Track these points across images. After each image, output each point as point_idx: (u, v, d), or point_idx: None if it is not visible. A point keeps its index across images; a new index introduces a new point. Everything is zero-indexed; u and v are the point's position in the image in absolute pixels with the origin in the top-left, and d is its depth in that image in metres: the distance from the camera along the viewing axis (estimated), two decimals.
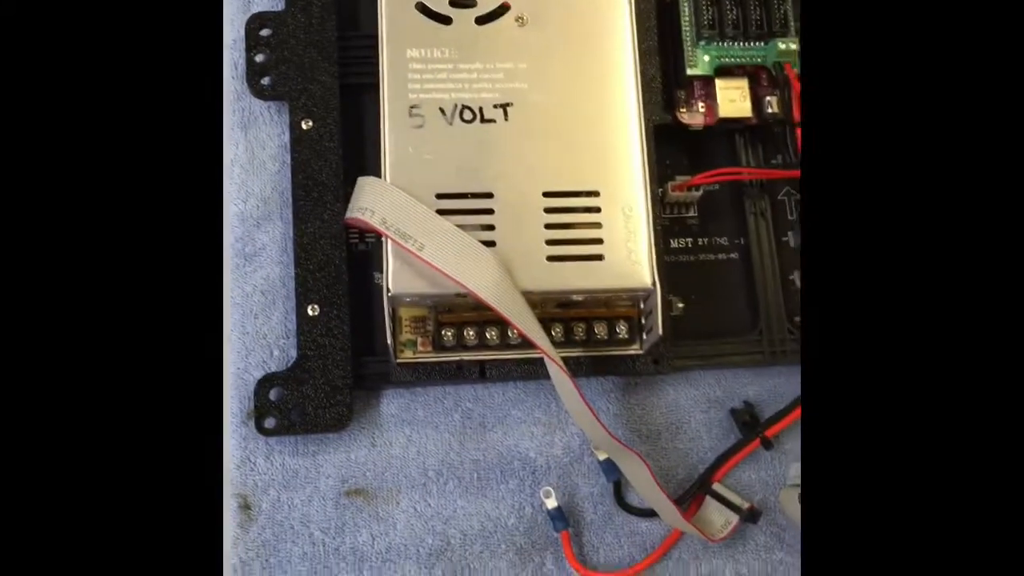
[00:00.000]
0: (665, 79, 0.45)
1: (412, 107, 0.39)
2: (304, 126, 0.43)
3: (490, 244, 0.38)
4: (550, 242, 0.39)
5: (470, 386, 0.43)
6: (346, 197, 0.42)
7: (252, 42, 0.44)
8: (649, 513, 0.42)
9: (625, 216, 0.39)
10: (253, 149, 0.44)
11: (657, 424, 0.43)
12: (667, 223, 0.45)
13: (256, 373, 0.42)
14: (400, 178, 0.39)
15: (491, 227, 0.38)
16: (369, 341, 0.43)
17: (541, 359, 0.41)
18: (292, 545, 0.41)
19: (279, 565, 0.41)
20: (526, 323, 0.37)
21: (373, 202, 0.38)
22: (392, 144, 0.39)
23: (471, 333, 0.40)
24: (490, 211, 0.39)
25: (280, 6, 0.44)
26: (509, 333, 0.40)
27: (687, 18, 0.44)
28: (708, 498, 0.42)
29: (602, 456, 0.42)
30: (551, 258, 0.38)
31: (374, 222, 0.38)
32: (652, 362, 0.42)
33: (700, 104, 0.44)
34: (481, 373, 0.42)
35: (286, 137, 0.44)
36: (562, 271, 0.38)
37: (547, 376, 0.41)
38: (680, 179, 0.45)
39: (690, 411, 0.44)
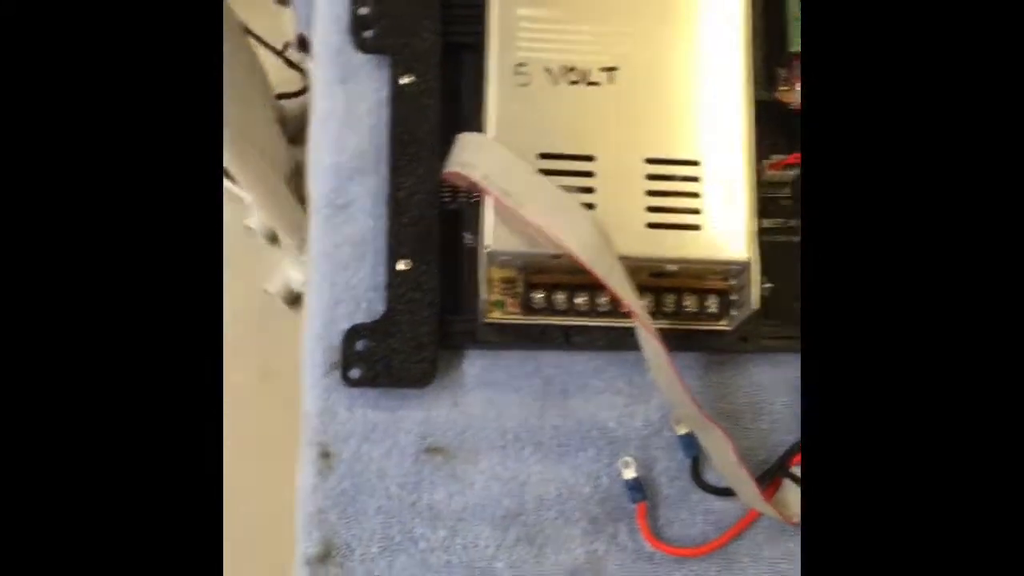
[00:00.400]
0: (766, 57, 0.44)
1: (519, 65, 0.39)
2: (404, 81, 0.43)
3: (589, 207, 0.38)
4: (649, 209, 0.38)
5: (553, 352, 0.43)
6: (442, 154, 0.42)
7: None
8: (726, 492, 0.41)
9: (726, 188, 0.39)
10: (351, 103, 0.44)
11: (739, 404, 0.43)
12: (761, 202, 0.44)
13: (343, 324, 0.42)
14: (503, 135, 0.39)
15: (591, 190, 0.38)
16: (455, 300, 0.43)
17: (627, 329, 0.41)
18: (369, 498, 0.41)
19: (355, 516, 0.41)
20: (622, 287, 0.37)
21: (475, 158, 0.38)
22: (496, 101, 0.39)
23: (561, 297, 0.40)
24: (591, 174, 0.38)
25: None
26: (598, 300, 0.40)
27: None
28: (786, 481, 0.42)
29: (682, 431, 0.41)
30: (649, 225, 0.38)
31: (476, 177, 0.38)
32: (740, 339, 0.42)
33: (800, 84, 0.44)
34: (566, 339, 0.42)
35: (383, 93, 0.44)
36: (660, 238, 0.38)
37: (631, 347, 0.41)
38: (776, 158, 0.44)
39: (773, 393, 0.43)
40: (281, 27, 0.95)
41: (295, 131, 1.02)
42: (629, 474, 0.41)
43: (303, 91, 0.99)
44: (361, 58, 0.45)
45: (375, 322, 0.41)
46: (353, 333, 0.41)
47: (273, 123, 0.91)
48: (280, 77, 0.97)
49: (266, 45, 0.93)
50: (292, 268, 1.00)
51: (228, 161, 0.81)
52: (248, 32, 0.86)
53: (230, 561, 0.98)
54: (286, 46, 0.95)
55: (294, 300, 1.02)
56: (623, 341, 0.41)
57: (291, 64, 0.97)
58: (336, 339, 0.42)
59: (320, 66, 0.45)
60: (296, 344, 1.03)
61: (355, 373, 0.41)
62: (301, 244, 0.97)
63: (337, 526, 0.41)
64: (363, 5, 0.44)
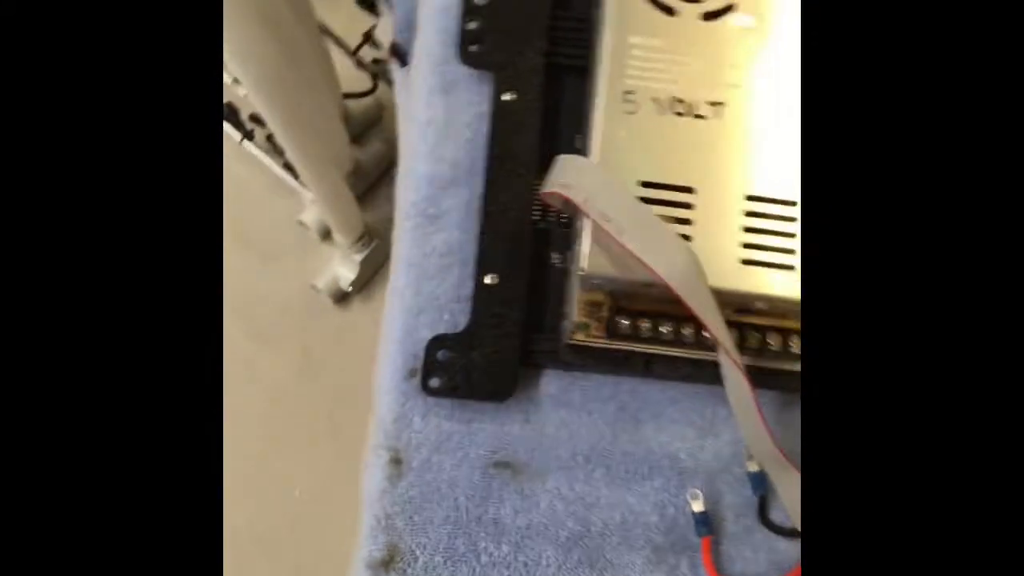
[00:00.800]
0: None
1: (627, 92, 0.40)
2: (506, 97, 0.43)
3: (686, 238, 0.38)
4: (744, 245, 0.38)
5: (629, 379, 0.43)
6: (538, 172, 0.42)
7: (468, 9, 0.44)
8: (792, 533, 0.41)
9: None
10: (450, 114, 0.45)
11: None
12: None
13: (424, 333, 0.42)
14: (606, 160, 0.39)
15: (689, 221, 0.38)
16: (538, 319, 0.43)
17: (708, 361, 0.41)
18: (437, 507, 0.41)
19: (421, 525, 0.41)
20: (712, 320, 0.37)
21: (578, 180, 0.39)
22: (602, 126, 0.39)
23: (646, 325, 0.40)
24: (690, 206, 0.39)
25: None
26: (683, 331, 0.40)
27: None
28: None
29: (753, 468, 0.41)
30: (744, 261, 0.38)
31: (577, 199, 0.38)
32: None
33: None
34: (647, 367, 0.42)
35: (483, 107, 0.45)
36: (752, 275, 0.38)
37: (709, 380, 0.41)
38: None
39: None
40: (354, 28, 0.96)
41: (358, 131, 1.03)
42: (697, 507, 0.41)
43: (370, 92, 1.00)
44: (464, 71, 0.45)
45: (459, 333, 0.41)
46: (436, 342, 0.41)
47: (339, 121, 0.92)
48: (348, 76, 0.98)
49: (340, 44, 0.94)
50: (342, 266, 1.01)
51: (293, 156, 0.82)
52: (325, 31, 0.87)
53: (256, 550, 0.99)
54: (359, 47, 0.95)
55: (341, 298, 1.03)
56: (702, 373, 0.41)
57: (361, 65, 0.98)
58: (416, 347, 0.42)
59: (423, 76, 0.45)
60: (339, 341, 1.04)
61: (435, 382, 0.41)
62: (353, 242, 0.98)
63: (403, 533, 0.41)
64: (472, 20, 0.44)
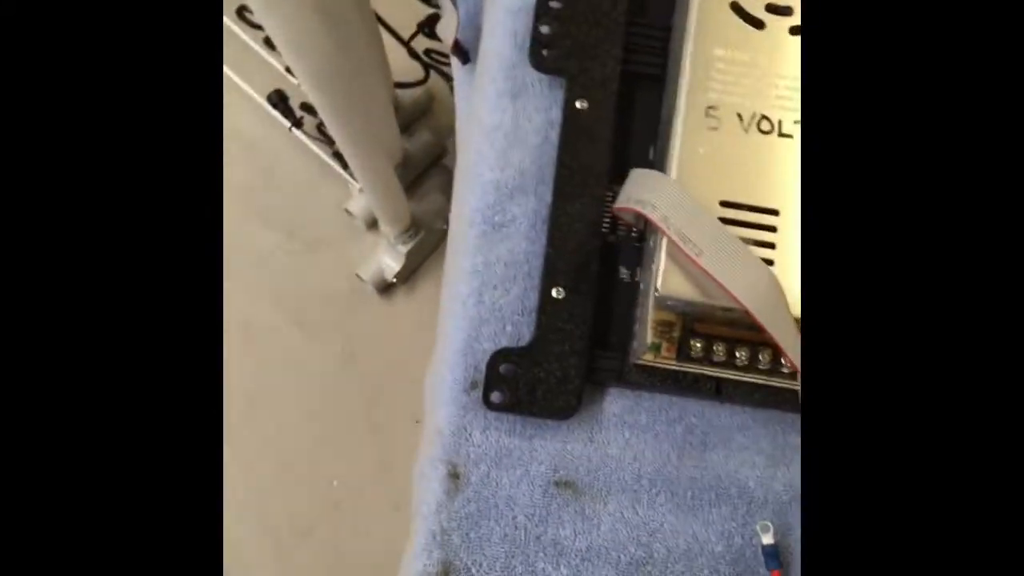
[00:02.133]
0: None
1: (710, 107, 0.38)
2: (579, 105, 0.42)
3: (768, 262, 0.36)
4: None
5: (696, 402, 0.42)
6: (608, 184, 0.41)
7: (542, 11, 0.43)
8: None
9: None
10: (519, 120, 0.44)
11: None
12: None
13: (486, 345, 0.41)
14: (686, 177, 0.37)
15: (772, 245, 0.37)
16: (604, 335, 0.41)
17: (780, 388, 0.40)
18: (494, 524, 0.40)
19: (478, 541, 0.40)
20: (793, 346, 0.36)
21: (656, 197, 0.37)
22: (683, 141, 0.38)
23: (720, 349, 0.39)
24: (773, 228, 0.37)
25: None
26: (760, 357, 0.39)
27: None
28: None
29: None
30: None
31: (654, 217, 0.37)
32: None
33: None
34: (717, 390, 0.40)
35: (553, 113, 0.43)
36: None
37: (780, 407, 0.40)
38: None
39: None
40: (408, 17, 0.95)
41: (407, 120, 1.02)
42: (767, 539, 0.39)
43: (422, 82, 0.99)
44: (535, 76, 0.44)
45: (523, 347, 0.40)
46: (499, 356, 0.40)
47: (391, 111, 0.90)
48: (399, 66, 0.97)
49: (393, 33, 0.93)
50: (387, 256, 1.00)
51: (343, 145, 0.81)
52: (378, 20, 0.86)
53: (295, 539, 0.99)
54: (412, 36, 0.94)
55: (385, 288, 1.02)
56: (775, 400, 0.40)
57: (414, 55, 0.96)
58: (478, 359, 0.41)
59: (491, 79, 0.44)
60: (382, 332, 1.03)
61: (497, 397, 0.40)
62: (400, 233, 0.97)
63: (459, 549, 0.40)
64: (545, 23, 0.43)
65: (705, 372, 0.40)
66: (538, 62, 0.43)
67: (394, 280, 1.01)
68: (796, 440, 0.41)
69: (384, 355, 1.01)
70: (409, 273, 1.01)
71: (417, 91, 1.01)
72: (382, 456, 0.99)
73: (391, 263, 1.00)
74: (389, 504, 0.96)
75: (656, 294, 0.37)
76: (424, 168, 1.02)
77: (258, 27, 0.99)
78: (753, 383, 0.40)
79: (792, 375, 0.38)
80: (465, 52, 0.52)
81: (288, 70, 0.90)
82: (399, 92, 1.00)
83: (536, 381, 0.40)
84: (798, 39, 0.39)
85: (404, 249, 0.99)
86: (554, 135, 0.43)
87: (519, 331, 0.42)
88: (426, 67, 0.98)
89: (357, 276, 1.01)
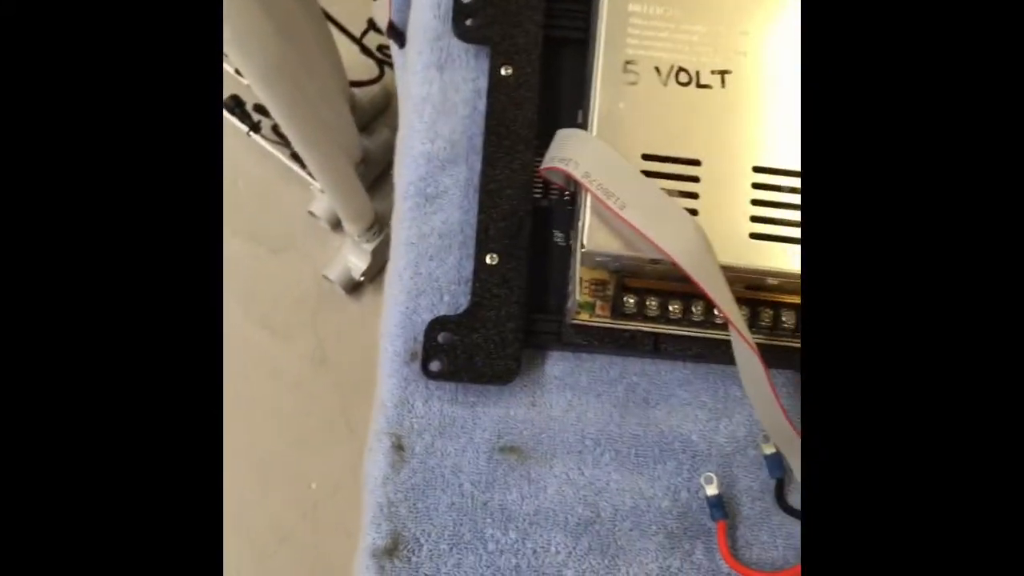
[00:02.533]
0: None
1: (627, 63, 0.38)
2: (503, 72, 0.42)
3: (692, 212, 0.37)
4: (754, 219, 0.37)
5: (638, 360, 0.42)
6: (538, 148, 0.41)
7: None
8: None
9: None
10: (446, 91, 0.44)
11: None
12: None
13: (425, 316, 0.41)
14: (606, 133, 0.38)
15: (695, 195, 0.37)
16: (542, 298, 0.42)
17: (719, 340, 0.40)
18: (441, 493, 0.40)
19: (426, 511, 0.40)
20: (722, 296, 0.36)
21: (578, 154, 0.37)
22: (602, 98, 0.38)
23: (653, 303, 0.39)
24: (696, 179, 0.37)
25: None
26: (693, 309, 0.39)
27: None
28: None
29: (768, 450, 0.40)
30: (753, 235, 0.37)
31: (577, 174, 0.37)
32: None
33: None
34: (655, 346, 0.40)
35: (480, 83, 0.43)
36: (763, 250, 0.37)
37: (721, 360, 0.40)
38: None
39: None
40: (358, 14, 0.95)
41: (365, 119, 1.02)
42: (711, 490, 0.39)
43: (376, 80, 0.99)
44: (460, 46, 0.44)
45: (459, 315, 0.40)
46: (436, 325, 0.40)
47: (347, 109, 0.91)
48: (354, 64, 0.97)
49: (344, 31, 0.93)
50: (353, 255, 1.00)
51: (299, 145, 0.81)
52: (328, 18, 0.86)
53: (275, 544, 0.99)
54: (363, 33, 0.94)
55: (353, 287, 1.02)
56: (714, 353, 0.40)
57: (367, 52, 0.97)
58: (417, 330, 0.41)
59: (418, 52, 0.44)
60: (353, 331, 1.03)
61: (436, 366, 0.40)
62: (364, 232, 0.97)
63: (407, 520, 0.40)
64: None
65: (641, 328, 0.40)
66: (461, 31, 0.43)
67: (362, 279, 1.01)
68: (736, 392, 0.41)
69: (356, 354, 1.01)
70: (376, 271, 1.01)
71: (374, 89, 1.01)
72: (359, 456, 0.98)
73: (357, 262, 1.00)
74: None
75: (583, 250, 0.37)
76: (385, 166, 1.02)
77: None
78: (689, 336, 0.40)
79: (724, 326, 0.38)
80: (401, 34, 0.52)
81: (239, 72, 0.90)
82: (356, 91, 1.00)
83: (474, 348, 0.40)
84: None
85: (369, 247, 0.99)
86: (482, 104, 0.43)
87: (457, 300, 0.42)
88: (380, 64, 0.98)
89: (324, 277, 1.01)
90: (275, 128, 0.96)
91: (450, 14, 0.43)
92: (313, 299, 1.03)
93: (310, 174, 0.95)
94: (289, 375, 1.01)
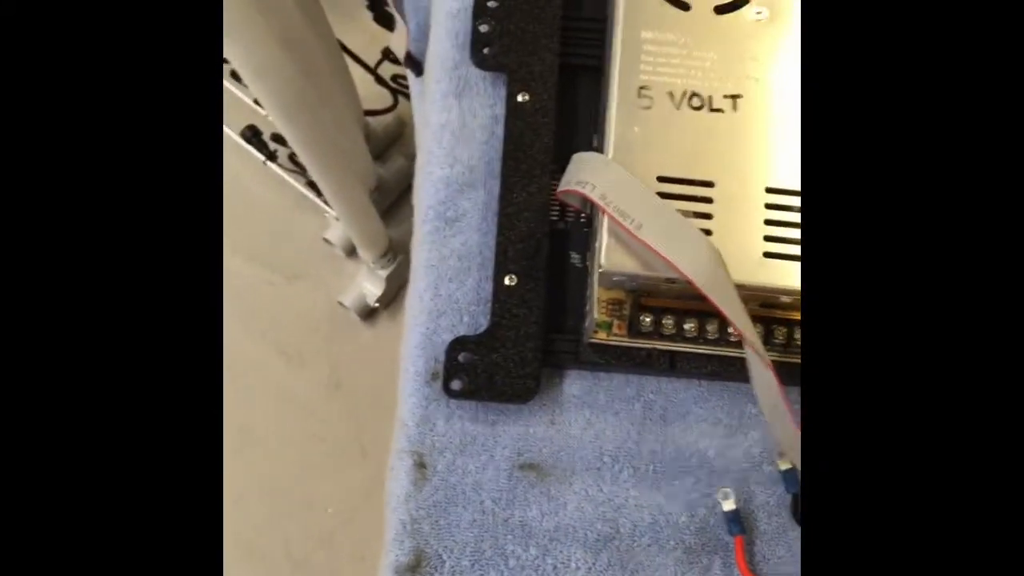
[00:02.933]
0: None
1: (641, 88, 0.39)
2: (520, 99, 0.43)
3: (706, 232, 0.37)
4: (767, 239, 0.38)
5: (654, 378, 0.43)
6: (554, 173, 0.42)
7: (479, 11, 0.44)
8: None
9: None
10: (464, 117, 0.45)
11: None
12: None
13: (445, 336, 0.42)
14: (622, 156, 0.39)
15: (708, 216, 0.38)
16: (559, 319, 0.42)
17: (733, 358, 0.40)
18: (463, 510, 0.41)
19: (447, 528, 0.41)
20: (737, 314, 0.37)
21: (594, 176, 0.38)
22: (617, 122, 0.39)
23: (669, 322, 0.40)
24: (709, 200, 0.38)
25: None
26: (708, 327, 0.40)
27: None
28: None
29: (784, 466, 0.41)
30: (767, 254, 0.38)
31: (594, 196, 0.38)
32: None
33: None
34: (671, 364, 0.41)
35: (498, 109, 0.45)
36: (776, 269, 0.38)
37: (735, 378, 0.41)
38: None
39: None
40: (373, 44, 0.97)
41: (380, 147, 1.03)
42: (728, 506, 0.40)
43: (390, 108, 1.01)
44: (478, 74, 0.45)
45: (479, 335, 0.41)
46: (457, 345, 0.41)
47: (361, 138, 0.92)
48: (368, 93, 0.98)
49: (359, 62, 0.95)
50: (367, 282, 1.01)
51: (316, 173, 0.83)
52: (343, 49, 0.88)
53: (290, 570, 0.99)
54: (378, 63, 0.96)
55: (368, 314, 1.03)
56: (729, 371, 0.41)
57: (381, 81, 0.98)
58: (438, 350, 0.42)
59: (436, 80, 0.45)
60: (367, 357, 1.04)
61: (457, 385, 0.41)
62: (378, 258, 0.98)
63: (429, 537, 0.40)
64: (484, 22, 0.44)
65: (657, 347, 0.41)
66: (479, 60, 0.44)
67: (376, 305, 1.02)
68: (752, 409, 0.42)
69: (370, 380, 1.02)
70: (391, 297, 1.02)
71: (387, 118, 1.03)
72: (374, 481, 0.99)
73: (372, 288, 1.01)
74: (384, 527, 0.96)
75: (600, 270, 0.38)
76: (399, 193, 1.04)
77: (224, 60, 1.01)
78: (704, 354, 0.41)
79: (739, 343, 0.39)
80: (418, 63, 0.53)
81: (257, 102, 0.92)
82: (370, 120, 1.02)
83: (494, 367, 0.41)
84: (723, 17, 0.40)
85: (384, 274, 1.00)
86: (500, 130, 0.44)
87: (476, 320, 0.43)
88: (394, 93, 1.00)
89: (339, 303, 1.02)
90: (291, 157, 0.98)
91: (468, 43, 0.44)
92: (328, 325, 1.04)
93: (325, 202, 0.97)
94: (304, 401, 1.02)
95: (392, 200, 1.03)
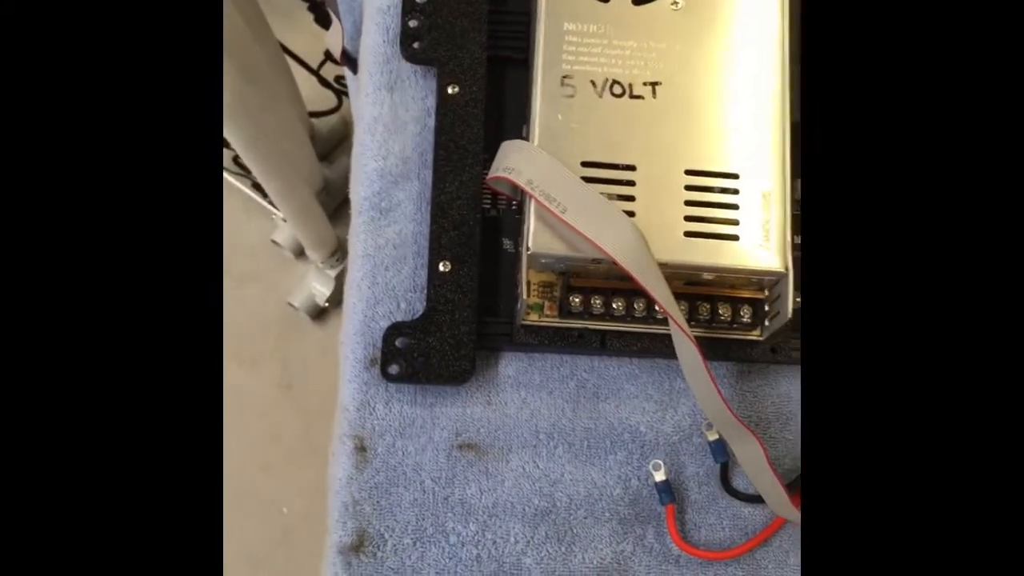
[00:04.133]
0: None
1: (564, 77, 0.41)
2: (450, 91, 0.44)
3: (630, 214, 0.39)
4: (688, 218, 0.39)
5: (587, 357, 0.44)
6: (485, 162, 0.43)
7: (408, 7, 0.45)
8: (753, 499, 0.42)
9: (764, 201, 0.40)
10: (397, 110, 0.46)
11: (767, 413, 0.44)
12: (794, 218, 0.46)
13: (382, 323, 0.43)
14: (547, 143, 0.40)
15: (631, 198, 0.40)
16: (493, 303, 0.44)
17: (662, 335, 0.42)
18: (403, 490, 0.42)
19: (389, 508, 0.42)
20: (660, 291, 0.38)
21: (520, 163, 0.40)
22: (542, 111, 0.40)
23: (598, 302, 0.41)
24: (632, 183, 0.40)
25: None
26: (635, 306, 0.41)
27: None
28: None
29: (712, 437, 0.42)
30: (688, 233, 0.39)
31: (520, 181, 0.39)
32: (770, 350, 0.43)
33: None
34: (602, 343, 0.43)
35: (429, 101, 0.46)
36: (697, 247, 0.39)
37: (664, 354, 0.42)
38: None
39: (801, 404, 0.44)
40: (316, 46, 0.97)
41: (326, 148, 1.04)
42: (659, 476, 0.42)
43: (335, 110, 1.02)
44: (408, 68, 0.46)
45: (415, 320, 0.42)
46: (393, 330, 0.42)
47: (306, 140, 0.93)
48: (312, 95, 0.99)
49: (302, 63, 0.95)
50: (317, 282, 1.02)
51: (261, 176, 0.83)
52: (286, 51, 0.88)
53: (250, 570, 0.99)
54: (321, 65, 0.97)
55: (318, 313, 1.03)
56: (657, 348, 0.42)
57: (325, 83, 0.99)
58: (376, 336, 0.43)
59: (369, 74, 0.46)
60: (318, 356, 1.04)
61: (394, 369, 0.42)
62: (327, 258, 0.99)
63: (371, 517, 0.42)
64: (413, 17, 0.45)
65: (588, 326, 0.42)
66: (409, 54, 0.45)
67: (326, 304, 1.02)
68: (681, 384, 0.44)
69: (322, 379, 1.02)
70: (340, 296, 1.02)
71: (332, 119, 1.04)
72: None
73: (321, 288, 1.02)
74: None
75: (528, 252, 0.39)
76: (346, 193, 1.04)
77: None
78: (633, 332, 0.42)
79: (666, 321, 0.41)
80: (354, 61, 0.54)
81: None
82: (315, 121, 1.02)
83: (430, 350, 0.42)
84: (642, 8, 0.42)
85: (333, 273, 1.01)
86: (431, 122, 0.45)
87: (413, 307, 0.44)
88: (338, 94, 1.00)
89: (289, 304, 1.03)
90: (236, 159, 0.98)
91: (398, 38, 0.46)
92: (278, 326, 1.04)
93: (272, 204, 0.97)
94: (257, 402, 1.02)
95: (340, 200, 1.04)
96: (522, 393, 0.43)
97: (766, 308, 0.42)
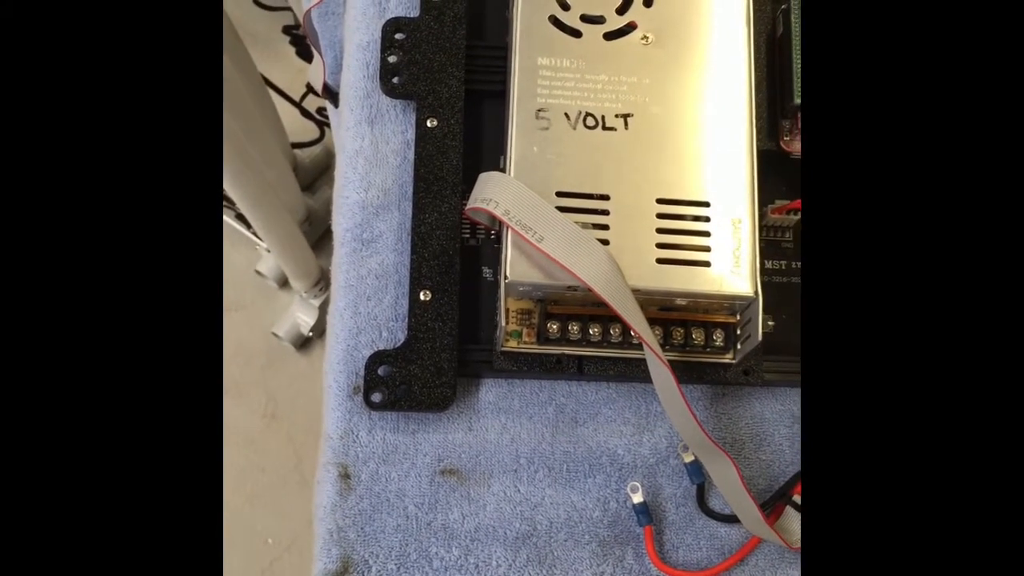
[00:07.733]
0: (771, 108, 0.47)
1: (539, 110, 0.42)
2: (429, 124, 0.46)
3: (604, 242, 0.40)
4: (660, 245, 0.41)
5: (565, 382, 0.45)
6: (464, 193, 0.44)
7: (387, 44, 0.47)
8: (730, 519, 0.43)
9: (734, 228, 0.41)
10: (377, 143, 0.47)
11: (742, 435, 0.45)
12: (764, 244, 0.47)
13: (365, 352, 0.44)
14: (524, 175, 0.41)
15: (606, 227, 0.41)
16: (473, 331, 0.45)
17: (637, 360, 0.43)
18: (387, 516, 0.43)
19: (373, 535, 0.42)
20: (634, 317, 0.39)
21: (497, 194, 0.41)
22: (518, 143, 0.42)
23: (575, 328, 0.42)
24: (606, 212, 0.41)
25: (415, 12, 0.47)
26: (611, 331, 0.42)
27: (797, 50, 0.47)
28: (788, 508, 0.43)
29: (688, 459, 0.43)
30: (660, 260, 0.40)
31: (497, 212, 0.40)
32: (743, 373, 0.44)
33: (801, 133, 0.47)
34: (579, 368, 0.44)
35: (409, 134, 0.47)
36: (670, 273, 0.40)
37: (640, 379, 0.43)
38: (779, 203, 0.47)
39: (775, 425, 0.45)
40: (298, 79, 0.99)
41: (308, 179, 1.05)
42: (637, 498, 0.43)
43: (317, 140, 1.03)
44: (388, 102, 0.47)
45: (397, 348, 0.43)
46: (376, 359, 0.43)
47: (289, 171, 0.94)
48: (295, 126, 1.00)
49: (284, 96, 0.96)
50: (301, 311, 1.03)
51: (245, 207, 0.84)
52: (268, 84, 0.90)
53: None
54: (303, 97, 0.98)
55: (302, 343, 1.04)
56: (633, 372, 0.43)
57: (307, 114, 1.00)
58: (358, 365, 0.44)
59: (350, 109, 0.48)
60: (302, 386, 1.05)
61: (377, 397, 0.43)
62: (311, 288, 0.99)
63: (355, 543, 0.42)
64: (392, 53, 0.47)
65: (566, 352, 0.43)
66: (389, 89, 0.47)
67: (310, 334, 1.03)
68: (657, 407, 0.45)
69: (307, 409, 1.03)
70: (324, 326, 1.03)
71: (315, 149, 1.05)
72: (312, 508, 1.00)
73: (305, 318, 1.03)
74: None
75: (506, 281, 0.40)
76: (329, 223, 1.05)
77: None
78: (610, 357, 0.43)
79: (641, 345, 0.42)
80: (335, 95, 0.55)
81: None
82: (298, 152, 1.04)
83: (412, 378, 0.43)
84: (613, 43, 0.43)
85: (317, 303, 1.02)
86: (411, 154, 0.46)
87: (395, 335, 0.45)
88: (320, 125, 1.02)
89: (274, 334, 1.03)
90: None
91: (378, 73, 0.47)
92: (263, 357, 1.05)
93: (256, 234, 0.98)
94: (241, 432, 1.03)
95: (322, 231, 1.05)
96: (502, 419, 0.44)
97: (738, 332, 0.43)
